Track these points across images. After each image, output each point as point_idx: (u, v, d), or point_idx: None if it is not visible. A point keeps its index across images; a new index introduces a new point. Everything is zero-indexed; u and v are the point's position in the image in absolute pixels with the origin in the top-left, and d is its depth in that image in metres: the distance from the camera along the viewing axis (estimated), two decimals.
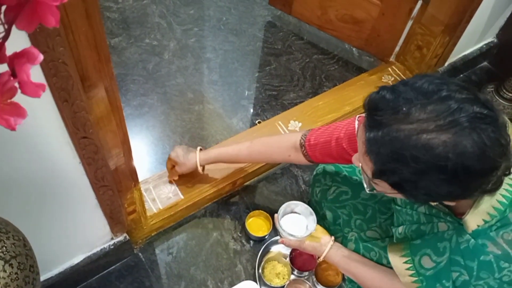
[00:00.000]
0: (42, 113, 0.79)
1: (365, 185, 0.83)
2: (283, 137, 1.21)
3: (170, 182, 1.40)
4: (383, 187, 0.78)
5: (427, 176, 0.69)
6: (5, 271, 0.65)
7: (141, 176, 1.40)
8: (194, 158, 1.29)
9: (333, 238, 1.17)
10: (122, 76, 1.76)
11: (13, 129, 0.41)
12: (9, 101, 0.43)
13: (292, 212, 1.21)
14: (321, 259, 1.15)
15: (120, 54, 1.83)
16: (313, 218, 1.17)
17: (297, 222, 1.19)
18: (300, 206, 1.19)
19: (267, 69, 1.88)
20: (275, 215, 1.19)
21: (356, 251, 1.17)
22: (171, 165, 1.36)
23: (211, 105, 1.73)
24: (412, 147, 0.67)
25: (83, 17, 0.69)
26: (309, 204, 1.19)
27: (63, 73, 0.73)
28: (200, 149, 1.31)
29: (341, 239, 1.22)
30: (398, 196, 0.80)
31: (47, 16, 0.39)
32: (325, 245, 1.15)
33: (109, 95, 0.86)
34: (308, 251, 1.18)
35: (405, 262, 0.95)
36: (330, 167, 1.29)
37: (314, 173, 1.34)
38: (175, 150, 1.33)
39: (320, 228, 1.20)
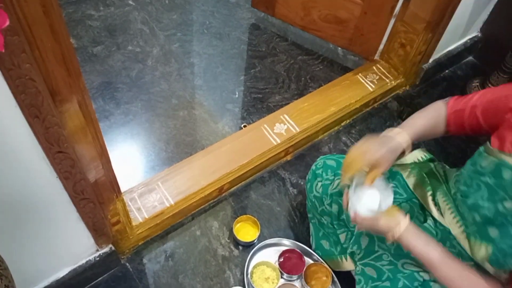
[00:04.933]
0: (13, 131, 0.78)
1: None
2: (433, 109, 1.10)
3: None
4: None
5: None
6: None
7: (126, 185, 1.39)
8: (397, 140, 1.00)
9: (408, 216, 1.00)
10: (106, 84, 1.75)
11: None
12: None
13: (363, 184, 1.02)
14: (395, 238, 0.99)
15: (103, 62, 1.81)
16: (388, 192, 1.01)
17: (371, 196, 1.01)
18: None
19: (252, 72, 1.87)
20: (347, 190, 1.01)
21: (371, 247, 1.12)
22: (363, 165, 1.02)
23: (196, 110, 1.72)
24: None
25: (48, 33, 0.69)
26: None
27: (31, 89, 0.72)
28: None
29: (346, 234, 1.21)
30: None
31: None
32: (399, 224, 0.99)
33: (82, 108, 0.85)
34: (381, 231, 1.00)
35: None
36: (331, 161, 1.28)
37: (313, 167, 1.30)
38: (359, 147, 1.02)
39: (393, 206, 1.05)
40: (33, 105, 0.75)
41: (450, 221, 1.10)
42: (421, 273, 1.03)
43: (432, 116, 1.09)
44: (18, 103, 0.73)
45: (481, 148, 0.99)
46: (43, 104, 0.76)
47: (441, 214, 1.13)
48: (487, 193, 0.95)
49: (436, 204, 1.15)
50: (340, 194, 1.21)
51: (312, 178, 1.30)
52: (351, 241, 1.19)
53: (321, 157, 1.32)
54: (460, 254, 1.05)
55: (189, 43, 1.94)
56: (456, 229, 1.08)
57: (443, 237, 1.10)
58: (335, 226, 1.24)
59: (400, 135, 1.02)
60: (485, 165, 0.95)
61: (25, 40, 0.66)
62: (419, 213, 1.17)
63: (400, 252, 1.10)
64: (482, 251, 0.98)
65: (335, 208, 1.21)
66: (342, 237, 1.23)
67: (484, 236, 0.98)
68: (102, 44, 1.88)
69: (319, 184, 1.26)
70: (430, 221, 1.13)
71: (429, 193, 1.16)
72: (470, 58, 2.06)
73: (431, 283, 1.02)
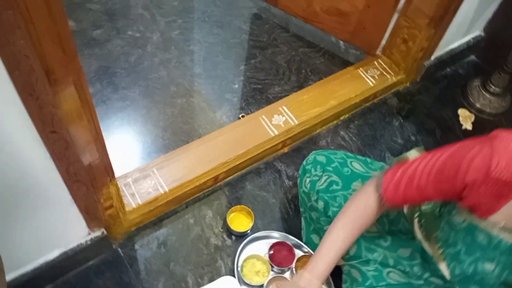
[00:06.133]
0: (6, 108, 0.77)
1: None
2: (361, 205, 1.05)
3: None
4: None
5: None
6: None
7: (120, 171, 1.39)
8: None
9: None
10: (104, 69, 1.73)
11: None
12: None
13: None
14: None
15: (102, 46, 1.80)
16: None
17: None
18: None
19: (252, 62, 1.86)
20: None
21: (358, 254, 1.12)
22: None
23: (194, 99, 1.71)
24: None
25: (43, 9, 0.67)
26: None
27: (25, 66, 0.71)
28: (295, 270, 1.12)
29: None
30: None
31: None
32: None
33: (77, 89, 0.84)
34: None
35: None
36: (321, 157, 1.27)
37: (304, 163, 1.31)
38: None
39: None
40: (27, 82, 0.74)
41: (434, 251, 1.08)
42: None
43: (354, 220, 1.05)
44: (12, 80, 0.72)
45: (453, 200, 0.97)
46: (37, 82, 0.74)
47: (426, 238, 1.11)
48: (464, 249, 0.95)
49: (422, 226, 1.13)
50: (326, 191, 1.21)
51: (302, 173, 1.30)
52: None
53: (313, 152, 1.31)
54: (443, 278, 1.05)
55: (190, 30, 1.92)
56: (440, 260, 1.06)
57: (428, 258, 1.09)
58: (321, 222, 1.23)
59: (311, 285, 1.04)
60: (457, 222, 0.94)
61: (20, 16, 0.65)
62: (405, 221, 1.16)
63: (386, 261, 1.10)
64: None
65: (321, 204, 1.21)
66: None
67: None
68: (102, 28, 1.86)
69: (308, 180, 1.26)
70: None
71: (416, 214, 1.14)
72: (472, 57, 2.05)
73: None
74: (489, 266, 0.90)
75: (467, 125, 1.79)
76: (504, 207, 0.84)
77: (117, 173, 1.23)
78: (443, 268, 1.04)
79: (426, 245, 1.09)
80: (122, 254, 1.33)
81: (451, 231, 0.98)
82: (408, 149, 1.36)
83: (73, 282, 1.27)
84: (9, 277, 1.13)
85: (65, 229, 1.16)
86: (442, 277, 1.05)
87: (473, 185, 0.85)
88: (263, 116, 1.60)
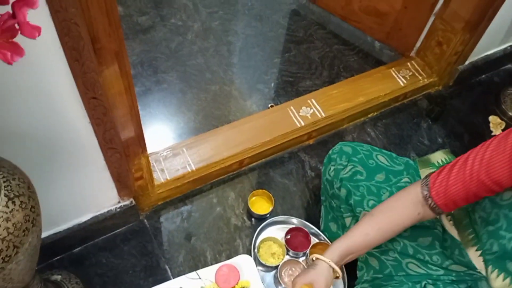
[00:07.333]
0: (55, 70, 0.85)
1: None
2: (402, 196, 1.04)
3: None
4: None
5: None
6: (7, 207, 0.72)
7: (153, 148, 1.47)
8: (324, 265, 1.06)
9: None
10: (146, 52, 1.83)
11: (9, 63, 0.47)
12: (10, 40, 0.49)
13: None
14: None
15: (146, 31, 1.90)
16: None
17: None
18: None
19: (286, 55, 1.91)
20: None
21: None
22: None
23: (227, 87, 1.78)
24: None
25: None
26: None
27: (74, 33, 0.79)
28: (316, 259, 1.08)
29: (350, 220, 1.24)
30: None
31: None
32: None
33: (118, 60, 0.92)
34: None
35: None
36: (347, 148, 1.30)
37: (330, 152, 1.34)
38: (297, 280, 1.07)
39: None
40: (75, 48, 0.82)
41: (463, 237, 1.09)
42: (425, 278, 1.06)
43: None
44: (62, 44, 0.80)
45: None
46: (83, 49, 0.82)
47: (453, 225, 1.12)
48: (505, 224, 0.94)
49: (449, 214, 1.15)
50: (350, 180, 1.24)
51: (327, 162, 1.34)
52: None
53: (340, 142, 1.34)
54: (468, 265, 1.06)
55: (229, 22, 2.00)
56: (469, 246, 1.07)
57: (452, 244, 1.10)
58: (342, 210, 1.27)
59: (323, 260, 1.05)
60: (506, 198, 0.93)
61: None
62: None
63: (406, 250, 1.12)
64: (499, 281, 0.98)
65: (343, 192, 1.24)
66: (347, 221, 1.26)
67: (503, 268, 0.97)
68: (147, 15, 1.96)
69: (332, 168, 1.30)
70: (439, 227, 1.14)
71: None
72: (510, 66, 2.02)
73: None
74: None
75: (497, 132, 1.77)
76: None
77: (149, 150, 1.30)
78: (472, 253, 1.06)
79: (454, 233, 1.11)
80: (147, 225, 1.42)
81: (493, 208, 0.98)
82: (434, 151, 1.38)
83: (101, 246, 1.36)
84: (44, 234, 1.22)
85: (97, 194, 1.24)
86: (465, 264, 1.06)
87: None
88: (291, 107, 1.65)
